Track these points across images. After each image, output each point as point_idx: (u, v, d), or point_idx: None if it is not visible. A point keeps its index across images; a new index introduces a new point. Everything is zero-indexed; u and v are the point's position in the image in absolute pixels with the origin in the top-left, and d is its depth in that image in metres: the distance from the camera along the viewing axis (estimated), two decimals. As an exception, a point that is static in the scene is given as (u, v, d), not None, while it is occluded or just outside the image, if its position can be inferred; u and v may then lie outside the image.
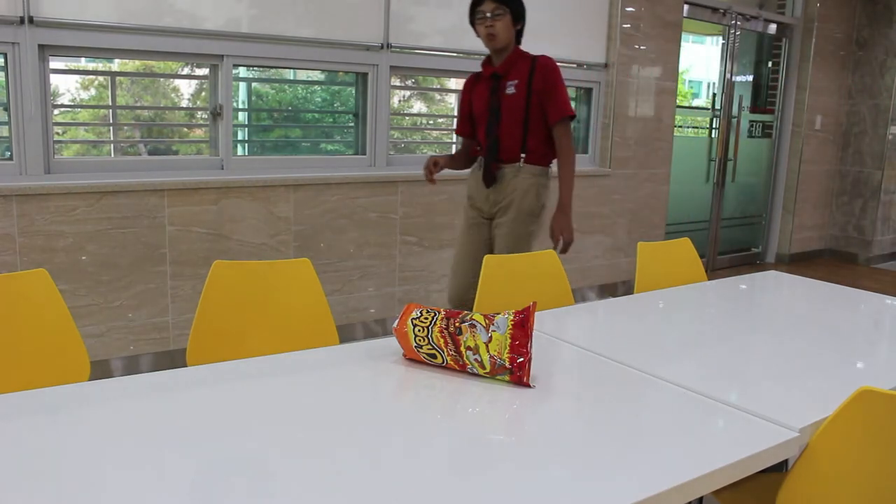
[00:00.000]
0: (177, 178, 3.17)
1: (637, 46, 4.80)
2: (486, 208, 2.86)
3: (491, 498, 1.01)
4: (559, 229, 2.76)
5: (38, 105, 2.91)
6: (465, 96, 2.93)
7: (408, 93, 4.22)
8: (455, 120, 2.92)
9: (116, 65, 3.35)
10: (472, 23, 2.76)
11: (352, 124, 3.92)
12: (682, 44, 5.13)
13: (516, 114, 2.74)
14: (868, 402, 1.22)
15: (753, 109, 6.18)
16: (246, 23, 3.35)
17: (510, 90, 2.73)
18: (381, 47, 3.71)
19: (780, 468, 1.60)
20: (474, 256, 2.86)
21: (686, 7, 5.11)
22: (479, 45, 4.22)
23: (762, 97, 6.28)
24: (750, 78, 6.21)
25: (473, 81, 2.91)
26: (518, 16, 2.74)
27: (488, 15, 2.66)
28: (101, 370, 3.07)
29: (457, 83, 4.49)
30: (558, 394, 1.42)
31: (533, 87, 2.71)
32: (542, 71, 2.72)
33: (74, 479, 1.01)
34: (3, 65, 2.86)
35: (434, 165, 2.79)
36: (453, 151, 2.95)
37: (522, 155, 2.78)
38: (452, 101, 4.52)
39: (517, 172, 2.79)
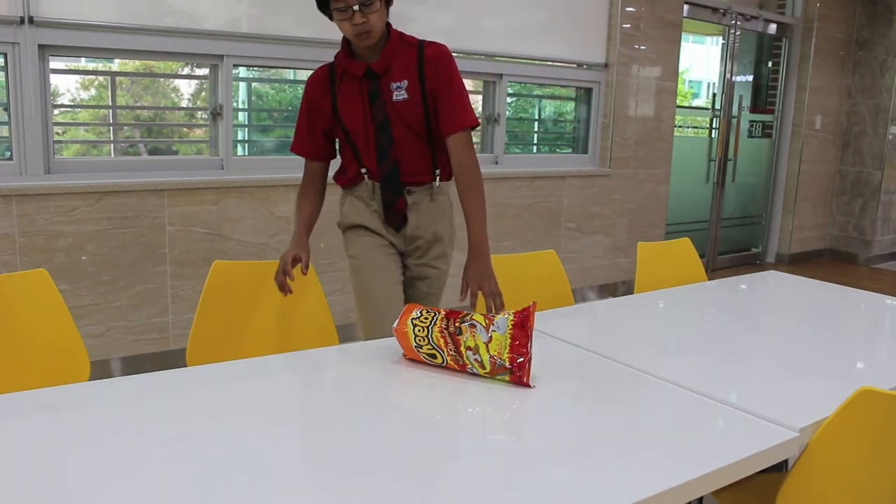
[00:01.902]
0: (177, 178, 3.17)
1: (637, 46, 4.80)
2: (397, 243, 2.12)
3: (491, 498, 1.01)
4: (478, 279, 1.93)
5: (38, 105, 2.91)
6: (311, 100, 2.05)
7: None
8: (295, 133, 2.13)
9: (116, 65, 3.35)
10: (325, 12, 1.94)
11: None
12: (682, 44, 5.13)
13: (415, 125, 2.01)
14: (868, 402, 1.22)
15: (753, 109, 6.18)
16: (246, 23, 3.35)
17: (400, 95, 1.97)
18: (381, 47, 3.71)
19: (780, 468, 1.60)
20: (397, 281, 2.11)
21: (686, 7, 5.11)
22: (479, 45, 4.24)
23: (762, 97, 6.28)
24: (750, 78, 6.21)
25: (326, 81, 2.03)
26: None
27: (355, 8, 1.84)
28: (101, 370, 3.07)
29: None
30: (558, 394, 1.42)
31: (426, 86, 1.99)
32: (434, 63, 1.98)
33: (74, 479, 1.01)
34: (3, 65, 2.86)
35: (291, 265, 1.91)
36: (299, 203, 2.11)
37: (437, 171, 2.09)
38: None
39: (432, 195, 2.10)
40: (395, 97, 1.98)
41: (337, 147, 2.16)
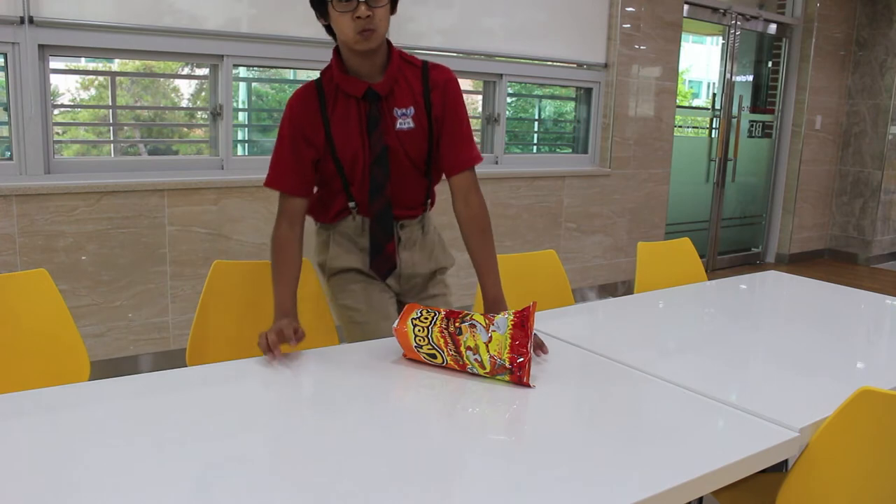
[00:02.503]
0: (177, 178, 3.17)
1: (637, 46, 4.80)
2: (392, 284, 1.89)
3: (491, 498, 1.01)
4: None
5: (38, 105, 2.91)
6: (298, 126, 1.71)
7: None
8: (274, 166, 1.75)
9: (116, 65, 3.35)
10: (320, 5, 1.65)
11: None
12: (682, 44, 5.13)
13: (417, 157, 1.78)
14: (868, 402, 1.22)
15: (753, 109, 6.18)
16: (246, 23, 3.35)
17: (405, 123, 1.73)
18: (381, 47, 3.71)
19: (780, 468, 1.60)
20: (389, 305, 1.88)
21: (686, 7, 5.11)
22: (479, 45, 4.24)
23: (762, 97, 6.28)
24: (750, 78, 6.21)
25: (315, 103, 1.71)
26: None
27: None
28: (101, 370, 3.07)
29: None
30: (558, 394, 1.42)
31: (433, 115, 1.75)
32: (443, 90, 1.75)
33: (74, 479, 1.01)
34: (3, 65, 2.86)
35: (283, 336, 1.54)
36: (277, 261, 1.72)
37: (428, 200, 1.90)
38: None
39: (424, 228, 1.90)
40: (398, 125, 1.72)
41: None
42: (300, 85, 1.76)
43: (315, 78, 1.75)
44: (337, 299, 1.87)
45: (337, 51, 1.72)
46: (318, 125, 1.71)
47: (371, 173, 1.74)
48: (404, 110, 1.73)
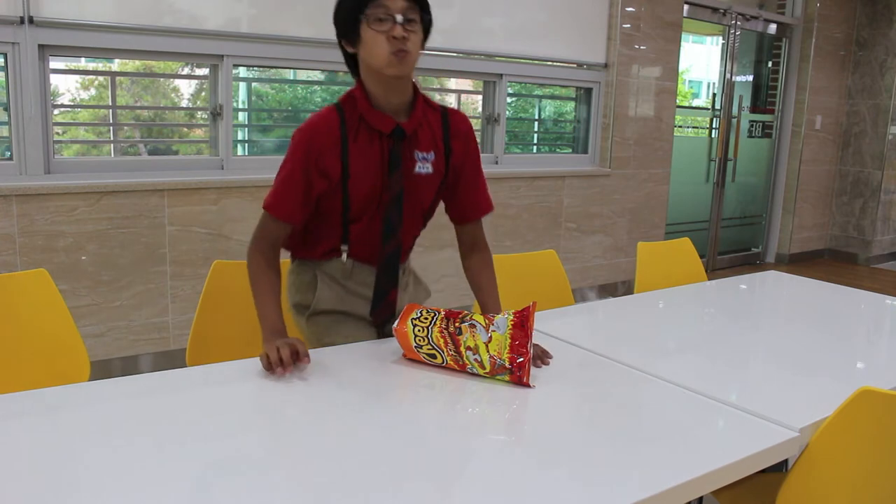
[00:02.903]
0: (177, 178, 3.17)
1: (637, 46, 4.80)
2: (379, 326, 1.80)
3: (491, 498, 1.01)
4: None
5: (38, 105, 2.91)
6: (315, 155, 1.59)
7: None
8: (280, 191, 1.62)
9: (116, 65, 3.35)
10: (352, 26, 1.56)
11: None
12: (682, 44, 5.13)
13: (425, 202, 1.73)
14: (868, 402, 1.22)
15: (753, 109, 6.18)
16: (246, 23, 3.35)
17: (425, 167, 1.67)
18: (381, 47, 3.71)
19: (780, 468, 1.60)
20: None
21: (686, 7, 5.11)
22: (479, 45, 4.24)
23: (762, 97, 6.28)
24: (750, 78, 6.21)
25: (337, 134, 1.60)
26: (427, 30, 1.61)
27: (399, 19, 1.51)
28: (101, 370, 3.07)
29: (457, 83, 4.49)
30: (558, 394, 1.42)
31: (452, 162, 1.71)
32: (464, 139, 1.72)
33: (74, 479, 1.01)
34: (3, 65, 2.86)
35: (293, 356, 1.45)
36: (259, 283, 1.65)
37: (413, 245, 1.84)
38: (452, 101, 4.52)
39: (410, 274, 1.86)
40: (417, 168, 1.66)
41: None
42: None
43: (333, 103, 1.65)
44: (323, 338, 1.75)
45: (361, 84, 1.64)
46: (336, 158, 1.60)
47: (386, 216, 1.66)
48: (425, 154, 1.67)
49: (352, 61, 1.65)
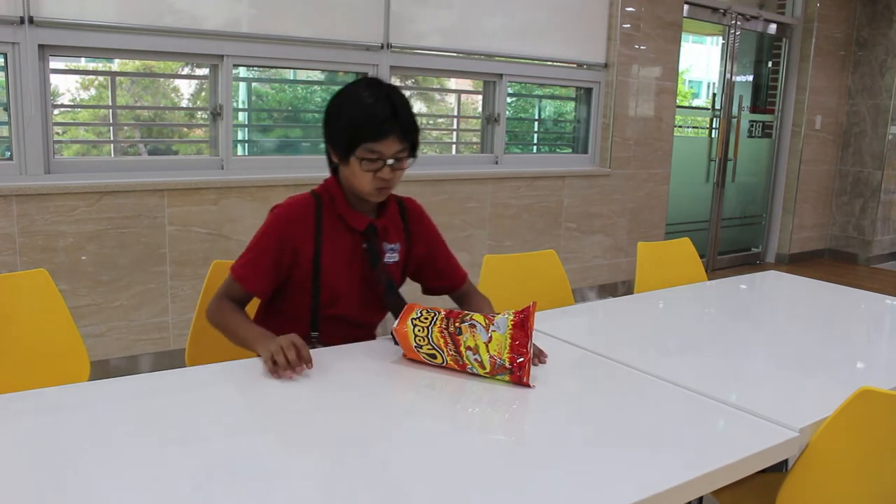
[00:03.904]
0: (177, 178, 3.17)
1: (637, 46, 4.80)
2: None
3: (491, 498, 1.01)
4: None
5: (38, 105, 2.91)
6: (287, 239, 1.64)
7: (408, 93, 4.22)
8: (251, 260, 1.65)
9: (116, 65, 3.35)
10: (343, 151, 1.62)
11: (352, 124, 3.91)
12: (682, 44, 5.13)
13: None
14: (868, 402, 1.22)
15: (753, 109, 6.18)
16: (246, 23, 3.35)
17: (392, 257, 1.75)
18: (382, 47, 3.71)
19: (780, 468, 1.60)
20: None
21: (686, 7, 5.11)
22: (479, 45, 4.24)
23: (762, 97, 6.28)
24: (750, 78, 6.21)
25: (311, 224, 1.66)
26: (413, 151, 1.67)
27: (390, 162, 1.59)
28: (101, 370, 3.07)
29: (457, 83, 4.49)
30: (558, 394, 1.42)
31: (413, 252, 1.80)
32: (419, 220, 1.82)
33: (74, 479, 1.01)
34: (3, 65, 2.86)
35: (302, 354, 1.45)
36: (231, 315, 1.63)
37: None
38: (452, 101, 4.52)
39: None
40: (387, 258, 1.74)
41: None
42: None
43: (311, 191, 1.70)
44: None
45: (337, 183, 1.69)
46: (309, 246, 1.65)
47: (386, 304, 1.72)
48: (393, 245, 1.76)
49: (335, 167, 1.70)
